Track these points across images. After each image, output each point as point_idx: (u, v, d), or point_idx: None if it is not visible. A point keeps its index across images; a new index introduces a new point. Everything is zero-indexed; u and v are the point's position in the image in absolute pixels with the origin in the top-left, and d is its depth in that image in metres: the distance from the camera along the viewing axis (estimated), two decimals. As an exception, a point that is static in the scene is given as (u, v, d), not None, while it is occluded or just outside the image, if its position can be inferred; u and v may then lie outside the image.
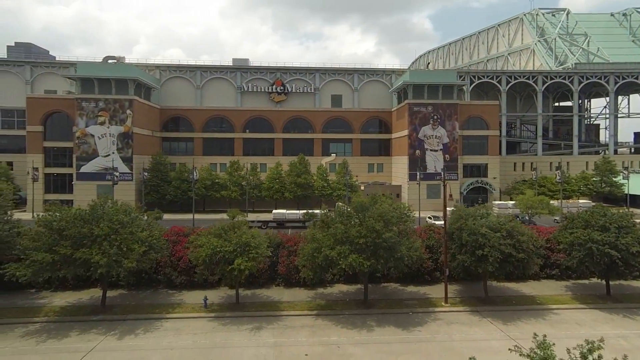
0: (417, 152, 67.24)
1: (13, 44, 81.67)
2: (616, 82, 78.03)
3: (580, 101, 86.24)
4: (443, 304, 25.70)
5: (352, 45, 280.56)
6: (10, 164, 66.61)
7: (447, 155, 67.25)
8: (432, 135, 67.60)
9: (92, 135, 61.49)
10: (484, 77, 78.14)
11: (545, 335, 9.99)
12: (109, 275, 22.20)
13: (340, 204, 32.26)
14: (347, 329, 22.10)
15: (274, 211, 53.42)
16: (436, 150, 67.73)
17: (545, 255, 29.50)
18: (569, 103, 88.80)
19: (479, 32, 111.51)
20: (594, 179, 70.20)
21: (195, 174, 50.86)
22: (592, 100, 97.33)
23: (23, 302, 25.41)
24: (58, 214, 22.63)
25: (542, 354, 8.70)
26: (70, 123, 62.32)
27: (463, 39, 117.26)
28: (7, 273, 21.58)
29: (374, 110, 78.43)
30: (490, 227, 24.37)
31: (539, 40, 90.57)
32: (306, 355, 19.24)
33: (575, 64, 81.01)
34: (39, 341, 20.53)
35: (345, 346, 20.13)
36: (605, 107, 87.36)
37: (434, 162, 67.27)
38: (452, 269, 26.57)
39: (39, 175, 59.35)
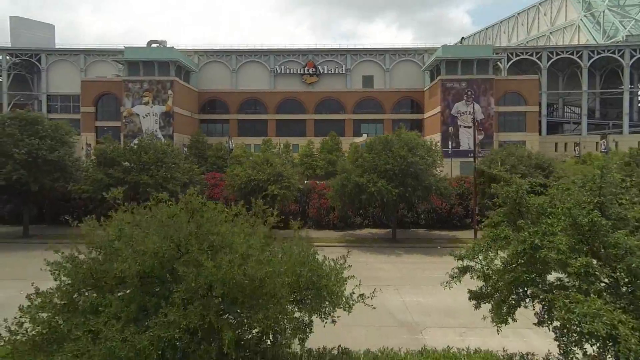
0: (450, 128, 65.97)
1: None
2: (673, 55, 72.33)
3: (631, 78, 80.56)
4: (473, 237, 25.56)
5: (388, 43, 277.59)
6: (66, 143, 72.77)
7: (481, 132, 65.40)
8: (466, 112, 65.99)
9: (138, 115, 65.89)
10: (522, 53, 75.18)
11: None
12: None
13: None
14: (376, 254, 22.71)
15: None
16: (470, 127, 66.02)
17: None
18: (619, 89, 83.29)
19: (518, 14, 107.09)
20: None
21: (230, 143, 53.16)
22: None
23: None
24: (111, 145, 25.06)
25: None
26: (119, 104, 67.16)
27: (501, 22, 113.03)
28: (74, 189, 24.28)
29: (405, 90, 77.72)
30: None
31: (585, 15, 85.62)
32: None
33: (627, 36, 75.77)
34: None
35: (373, 263, 20.72)
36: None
37: (468, 138, 65.62)
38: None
39: (91, 151, 64.46)
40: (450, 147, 60.20)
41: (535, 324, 8.18)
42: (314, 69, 77.83)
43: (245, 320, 5.97)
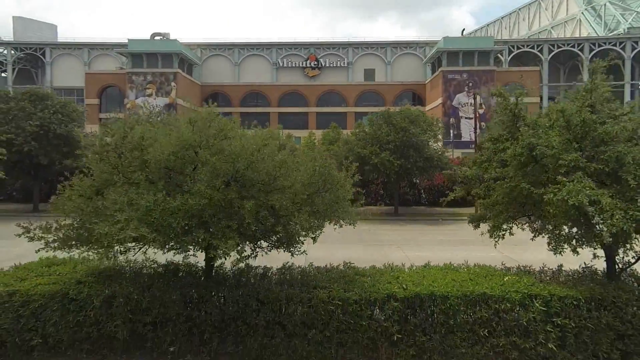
0: (452, 120, 66.39)
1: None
2: (675, 47, 72.63)
3: (632, 71, 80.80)
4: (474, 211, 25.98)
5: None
6: (71, 135, 73.56)
7: (483, 123, 65.79)
8: (467, 103, 66.37)
9: (142, 107, 66.54)
10: (523, 46, 75.62)
11: None
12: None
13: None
14: (379, 224, 23.19)
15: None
16: (471, 118, 66.41)
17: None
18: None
19: (519, 9, 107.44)
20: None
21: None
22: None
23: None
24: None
25: None
26: (122, 96, 67.85)
27: (502, 17, 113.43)
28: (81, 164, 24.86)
29: (407, 83, 78.22)
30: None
31: (585, 9, 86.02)
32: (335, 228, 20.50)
33: (628, 28, 76.15)
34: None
35: (376, 230, 21.20)
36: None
37: (469, 129, 66.01)
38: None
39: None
40: (451, 137, 60.58)
41: (531, 239, 8.69)
42: (315, 62, 78.37)
43: (262, 203, 6.48)
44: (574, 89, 8.97)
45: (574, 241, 7.27)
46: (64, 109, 26.08)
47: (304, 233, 7.22)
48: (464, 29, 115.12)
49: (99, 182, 6.71)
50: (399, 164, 23.12)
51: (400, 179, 25.87)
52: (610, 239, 6.10)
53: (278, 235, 7.08)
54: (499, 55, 71.84)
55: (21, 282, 7.75)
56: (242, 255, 6.11)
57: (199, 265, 8.60)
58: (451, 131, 62.25)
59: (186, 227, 5.87)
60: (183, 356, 7.48)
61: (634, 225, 6.22)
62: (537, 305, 7.13)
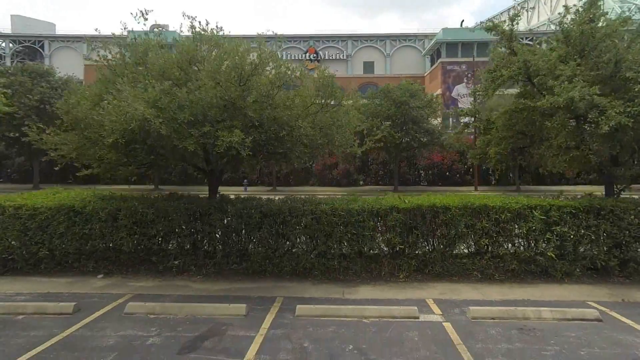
0: (451, 112, 66.57)
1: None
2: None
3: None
4: (473, 191, 26.13)
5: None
6: (69, 127, 73.57)
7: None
8: (466, 94, 66.58)
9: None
10: (522, 39, 75.85)
11: None
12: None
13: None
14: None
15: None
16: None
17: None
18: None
19: (518, 4, 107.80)
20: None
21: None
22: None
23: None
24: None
25: None
26: (122, 87, 67.89)
27: (501, 13, 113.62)
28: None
29: (406, 76, 78.15)
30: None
31: (584, 2, 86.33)
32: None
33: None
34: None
35: (375, 200, 21.33)
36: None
37: (469, 120, 66.18)
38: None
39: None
40: (450, 127, 60.70)
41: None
42: (315, 55, 78.45)
43: (266, 106, 6.64)
44: None
45: (571, 154, 7.41)
46: (66, 86, 26.10)
47: (306, 142, 7.33)
48: (462, 20, 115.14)
49: (104, 89, 6.84)
50: (400, 136, 23.22)
51: (400, 154, 25.96)
52: (607, 129, 6.23)
53: (283, 148, 7.19)
54: (498, 47, 72.00)
55: (27, 200, 7.85)
56: (245, 144, 6.08)
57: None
58: (450, 120, 62.37)
59: (192, 119, 5.99)
60: (187, 270, 7.57)
61: (632, 120, 6.34)
62: (537, 214, 7.23)
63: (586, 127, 7.25)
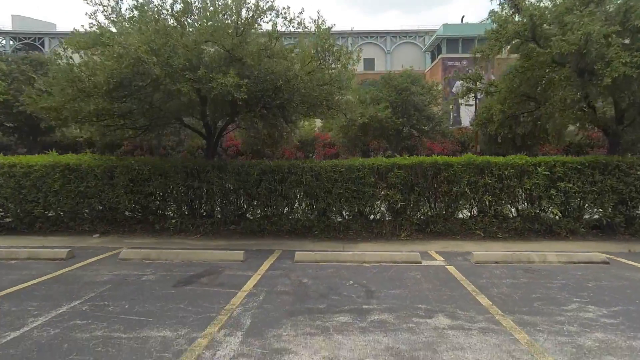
0: (451, 106, 66.46)
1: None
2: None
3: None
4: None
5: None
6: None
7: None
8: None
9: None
10: None
11: None
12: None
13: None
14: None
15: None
16: (471, 105, 66.47)
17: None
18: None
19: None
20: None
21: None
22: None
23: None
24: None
25: None
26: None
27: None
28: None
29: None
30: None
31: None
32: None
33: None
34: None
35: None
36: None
37: (469, 116, 66.06)
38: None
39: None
40: (451, 123, 60.58)
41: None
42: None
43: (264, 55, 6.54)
44: None
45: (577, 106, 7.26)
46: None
47: (304, 92, 7.17)
48: (463, 16, 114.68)
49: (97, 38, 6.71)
50: (401, 122, 23.05)
51: (401, 143, 25.81)
52: (610, 81, 6.09)
53: (280, 99, 7.04)
54: (492, 76, 71.92)
55: (22, 159, 7.72)
56: (241, 89, 5.92)
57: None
58: (451, 114, 62.24)
59: (187, 64, 5.86)
60: (184, 230, 7.42)
61: (637, 71, 6.20)
62: (541, 170, 7.08)
63: (592, 80, 7.10)
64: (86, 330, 3.27)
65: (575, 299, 4.00)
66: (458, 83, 67.83)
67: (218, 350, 2.95)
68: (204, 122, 8.16)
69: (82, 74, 6.33)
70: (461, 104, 60.23)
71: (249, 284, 4.53)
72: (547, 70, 7.63)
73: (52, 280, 4.68)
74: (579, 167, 7.08)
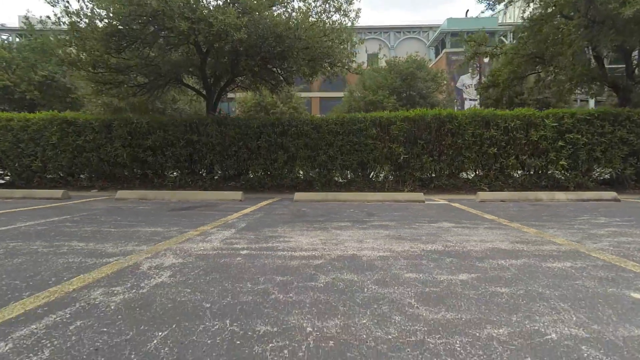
0: (456, 101, 66.01)
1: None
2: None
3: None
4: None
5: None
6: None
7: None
8: (472, 84, 65.99)
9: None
10: None
11: None
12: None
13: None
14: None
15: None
16: (475, 100, 66.03)
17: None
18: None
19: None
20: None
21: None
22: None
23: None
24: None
25: None
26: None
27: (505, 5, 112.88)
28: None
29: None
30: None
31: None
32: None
33: (631, 11, 75.52)
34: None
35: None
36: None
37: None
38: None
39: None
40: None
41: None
42: (319, 47, 78.34)
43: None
44: None
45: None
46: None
47: (304, 38, 7.01)
48: (467, 10, 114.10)
49: None
50: (406, 109, 22.86)
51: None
52: (630, 13, 5.88)
53: (281, 46, 6.89)
54: (503, 38, 71.32)
55: (20, 114, 7.64)
56: (241, 30, 5.77)
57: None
58: (455, 108, 61.84)
59: (193, 25, 5.74)
60: (183, 186, 7.30)
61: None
62: (549, 122, 6.88)
63: (602, 29, 6.87)
64: (75, 228, 3.16)
65: (585, 215, 3.83)
66: (462, 77, 66.99)
67: (209, 236, 2.81)
68: (204, 81, 8.03)
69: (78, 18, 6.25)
70: (466, 98, 58.87)
71: (247, 210, 4.39)
72: (555, 22, 7.41)
73: (45, 208, 4.58)
74: (588, 118, 6.87)
